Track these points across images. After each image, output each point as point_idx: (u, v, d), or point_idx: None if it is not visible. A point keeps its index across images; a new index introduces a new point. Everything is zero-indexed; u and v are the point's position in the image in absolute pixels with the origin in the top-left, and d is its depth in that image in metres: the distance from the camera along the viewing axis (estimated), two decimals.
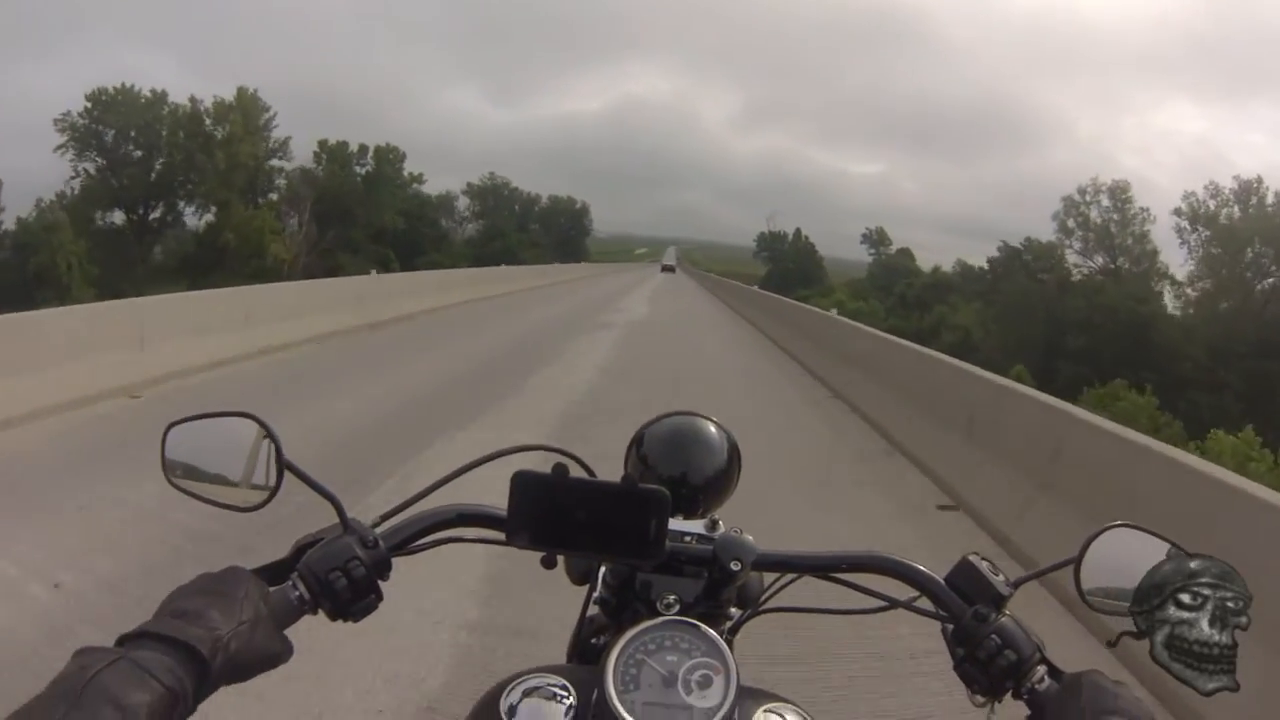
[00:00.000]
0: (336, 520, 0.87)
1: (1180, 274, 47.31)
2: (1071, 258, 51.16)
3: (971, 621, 0.86)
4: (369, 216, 62.98)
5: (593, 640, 1.05)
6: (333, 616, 0.84)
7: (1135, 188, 51.19)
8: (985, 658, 0.84)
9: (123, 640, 0.69)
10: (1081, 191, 51.51)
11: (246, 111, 53.52)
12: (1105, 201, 50.39)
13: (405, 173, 68.25)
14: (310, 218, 58.15)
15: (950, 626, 0.88)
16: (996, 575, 0.89)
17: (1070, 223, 50.81)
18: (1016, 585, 0.89)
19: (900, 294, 69.23)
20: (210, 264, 50.98)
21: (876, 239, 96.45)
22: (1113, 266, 48.63)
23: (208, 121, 53.15)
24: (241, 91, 54.21)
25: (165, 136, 52.31)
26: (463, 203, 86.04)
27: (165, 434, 0.91)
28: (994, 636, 0.84)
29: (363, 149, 65.47)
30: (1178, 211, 47.21)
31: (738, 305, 29.33)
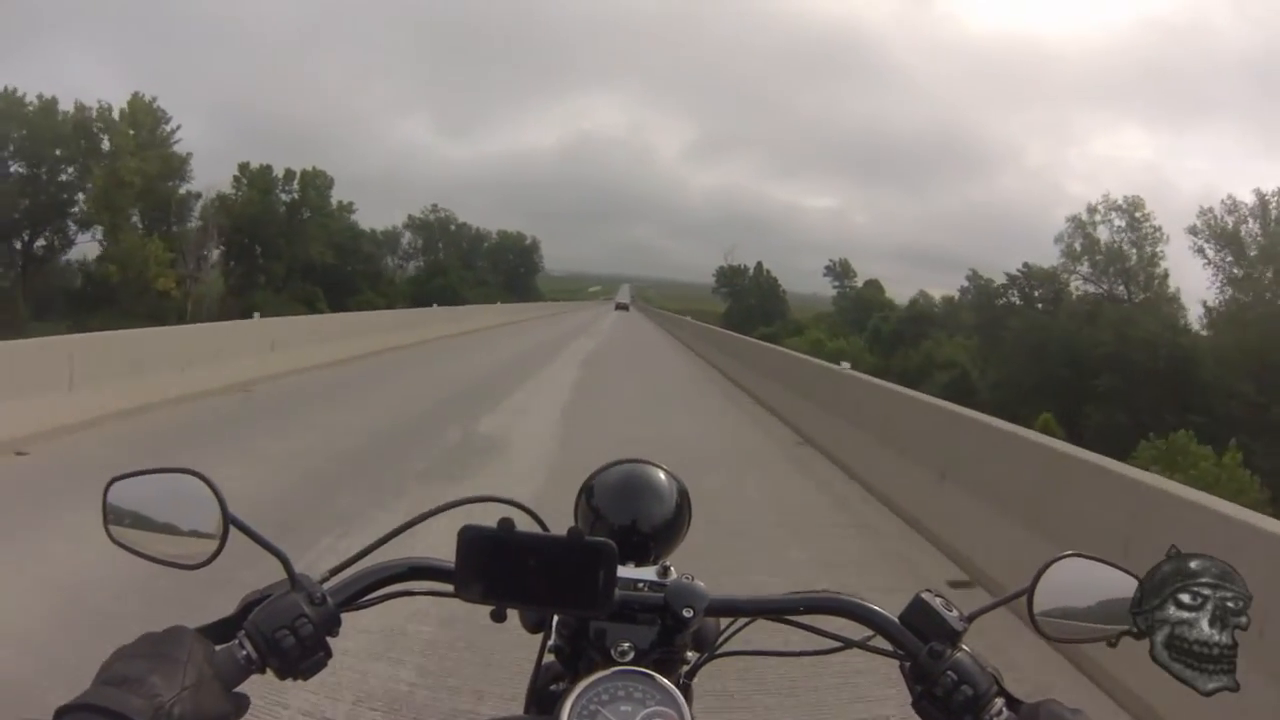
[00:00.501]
0: (284, 576, 0.86)
1: (1196, 297, 42.61)
2: (1076, 284, 46.32)
3: (927, 658, 0.86)
4: (294, 249, 56.20)
5: (551, 688, 0.99)
6: (281, 675, 0.84)
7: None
8: (942, 694, 0.85)
9: (61, 712, 0.68)
10: (1091, 210, 46.72)
11: (138, 122, 46.05)
12: (1117, 221, 45.66)
13: (334, 201, 61.37)
14: (223, 249, 51.28)
15: (907, 664, 0.88)
16: (950, 611, 0.89)
17: (1077, 245, 45.89)
18: (970, 619, 0.89)
19: (875, 329, 64.84)
20: (98, 300, 44.33)
21: (841, 271, 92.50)
22: (1121, 288, 43.81)
23: (99, 133, 46.00)
24: (135, 99, 46.75)
25: (48, 150, 45.20)
26: (407, 238, 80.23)
27: (107, 489, 0.88)
28: (950, 672, 0.85)
29: (289, 174, 58.51)
30: (1193, 229, 42.58)
31: (739, 374, 17.10)
